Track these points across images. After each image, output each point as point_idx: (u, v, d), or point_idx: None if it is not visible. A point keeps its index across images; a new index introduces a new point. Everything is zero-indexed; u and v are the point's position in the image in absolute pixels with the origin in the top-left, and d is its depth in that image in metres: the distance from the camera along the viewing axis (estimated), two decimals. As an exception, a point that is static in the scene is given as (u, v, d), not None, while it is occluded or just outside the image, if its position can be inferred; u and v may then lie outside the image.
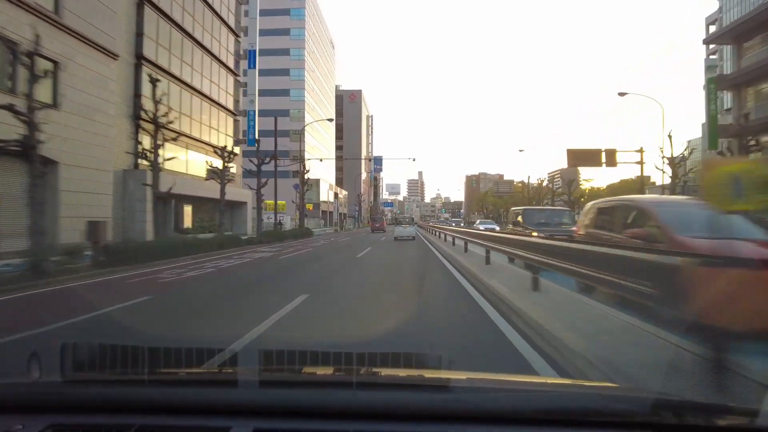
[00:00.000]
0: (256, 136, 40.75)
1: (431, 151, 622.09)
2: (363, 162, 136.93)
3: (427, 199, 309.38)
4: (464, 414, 1.29)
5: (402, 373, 1.67)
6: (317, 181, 74.35)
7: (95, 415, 1.33)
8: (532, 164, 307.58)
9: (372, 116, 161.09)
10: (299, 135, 77.30)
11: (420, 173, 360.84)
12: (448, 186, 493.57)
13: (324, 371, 1.68)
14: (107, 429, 1.30)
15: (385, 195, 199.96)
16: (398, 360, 1.63)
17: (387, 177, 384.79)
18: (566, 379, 3.60)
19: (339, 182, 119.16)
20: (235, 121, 39.72)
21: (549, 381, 2.64)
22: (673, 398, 1.45)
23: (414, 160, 44.43)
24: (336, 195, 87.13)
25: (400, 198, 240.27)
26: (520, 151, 51.48)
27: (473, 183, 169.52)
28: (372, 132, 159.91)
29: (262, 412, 1.31)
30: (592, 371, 3.85)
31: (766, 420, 1.22)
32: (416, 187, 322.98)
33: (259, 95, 78.53)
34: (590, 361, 4.00)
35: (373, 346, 4.49)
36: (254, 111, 40.27)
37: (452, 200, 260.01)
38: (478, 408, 1.31)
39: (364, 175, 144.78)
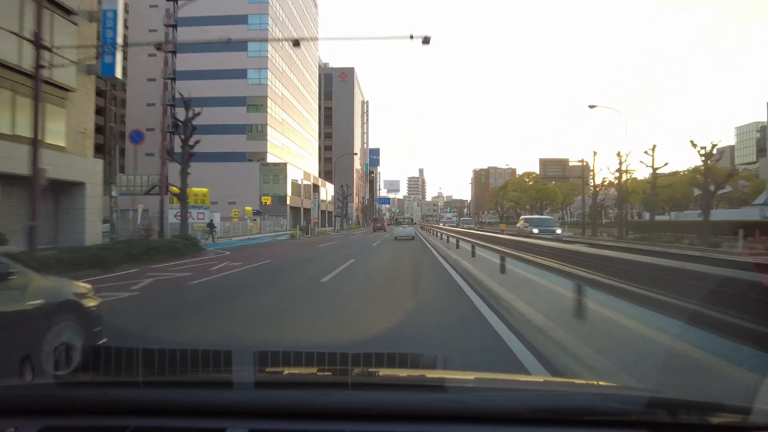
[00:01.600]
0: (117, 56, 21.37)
1: (433, 148, 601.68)
2: (356, 150, 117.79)
3: (428, 198, 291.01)
4: (460, 413, 1.29)
5: (397, 373, 1.66)
6: (283, 167, 54.95)
7: (89, 417, 1.32)
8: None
9: (368, 102, 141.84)
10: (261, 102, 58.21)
11: (421, 170, 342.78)
12: (450, 184, 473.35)
13: (319, 372, 1.66)
14: (102, 431, 1.30)
15: (383, 192, 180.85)
16: (393, 360, 1.62)
17: (385, 173, 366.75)
18: (561, 378, 3.58)
19: (328, 176, 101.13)
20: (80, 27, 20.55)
21: (544, 380, 2.87)
22: (666, 397, 1.46)
23: (422, 47, 24.14)
24: (315, 188, 67.91)
25: (400, 196, 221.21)
26: (591, 107, 31.74)
27: (482, 178, 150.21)
28: (367, 120, 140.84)
29: (258, 413, 1.30)
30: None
31: (758, 417, 1.23)
32: (417, 185, 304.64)
33: (200, 51, 59.41)
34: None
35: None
36: (114, 11, 20.93)
37: (455, 199, 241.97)
38: (474, 407, 1.31)
39: (358, 168, 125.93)
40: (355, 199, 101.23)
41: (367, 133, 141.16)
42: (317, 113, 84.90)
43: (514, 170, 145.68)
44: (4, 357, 3.34)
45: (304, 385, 1.47)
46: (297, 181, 58.19)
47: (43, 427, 1.25)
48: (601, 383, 2.10)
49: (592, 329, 5.07)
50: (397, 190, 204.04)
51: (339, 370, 1.63)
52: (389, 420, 1.26)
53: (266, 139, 54.31)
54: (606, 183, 35.90)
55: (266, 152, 54.31)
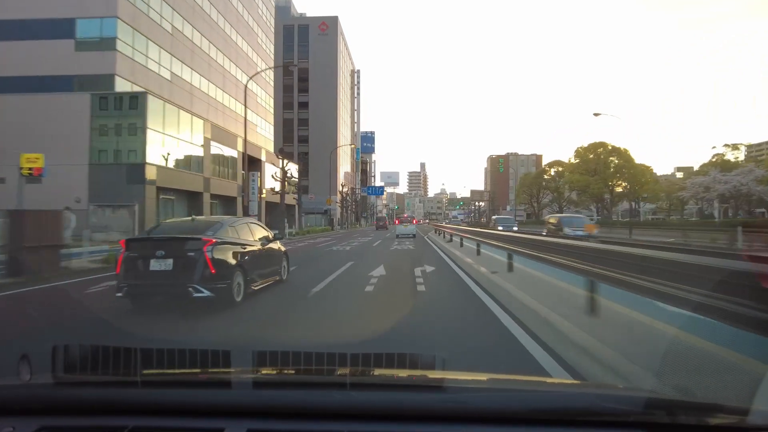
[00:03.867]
0: None
1: (435, 141, 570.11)
2: (344, 131, 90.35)
3: (431, 194, 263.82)
4: (458, 414, 1.29)
5: (396, 373, 1.66)
6: (139, 100, 26.85)
7: (87, 416, 1.32)
8: (563, 151, 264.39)
9: (359, 71, 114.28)
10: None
11: (422, 164, 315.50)
12: (454, 181, 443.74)
13: (317, 372, 1.65)
14: (100, 430, 1.30)
15: (379, 185, 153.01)
16: (392, 360, 1.62)
17: (382, 164, 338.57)
18: (560, 379, 3.55)
19: (304, 159, 74.73)
20: None
21: (543, 380, 2.73)
22: (665, 397, 1.47)
23: None
24: (254, 163, 40.31)
25: (399, 191, 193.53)
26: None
27: (500, 167, 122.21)
28: (358, 94, 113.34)
29: (256, 412, 1.30)
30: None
31: (757, 418, 1.23)
32: (418, 180, 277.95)
33: None
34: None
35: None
36: None
37: (459, 197, 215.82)
38: (473, 408, 1.32)
39: (346, 153, 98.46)
40: (342, 190, 74.31)
41: (358, 110, 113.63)
42: (270, 54, 56.99)
43: (539, 157, 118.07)
44: (270, 269, 8.43)
45: (303, 385, 1.46)
46: (191, 140, 30.34)
47: (40, 426, 1.25)
48: (601, 383, 2.14)
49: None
50: (396, 184, 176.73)
51: (337, 371, 1.61)
52: (388, 420, 1.26)
53: (115, 49, 26.46)
54: None
55: (114, 74, 26.40)
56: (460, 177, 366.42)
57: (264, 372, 1.61)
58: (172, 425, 1.27)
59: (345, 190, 74.16)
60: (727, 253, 7.90)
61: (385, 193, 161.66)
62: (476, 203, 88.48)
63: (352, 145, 76.64)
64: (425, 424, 1.26)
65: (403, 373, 1.63)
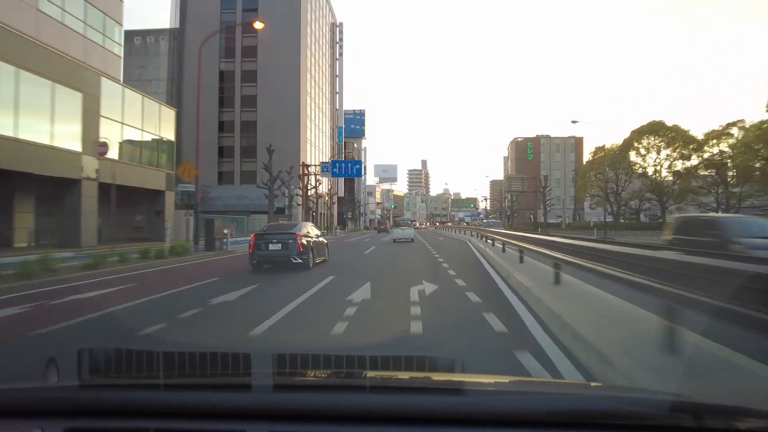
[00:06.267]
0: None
1: (437, 137, 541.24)
2: (309, 84, 61.57)
3: (432, 194, 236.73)
4: (478, 417, 1.29)
5: (415, 375, 1.67)
6: None
7: (112, 419, 1.36)
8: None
9: (341, 24, 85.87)
10: None
11: (424, 162, 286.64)
12: (457, 181, 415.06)
13: (337, 374, 1.70)
14: None
15: (373, 180, 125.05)
16: (411, 363, 1.66)
17: (377, 158, 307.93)
18: (582, 381, 3.57)
19: (248, 129, 47.59)
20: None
21: (563, 382, 2.81)
22: (690, 400, 1.44)
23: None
24: None
25: (396, 190, 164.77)
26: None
27: (529, 153, 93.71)
28: (341, 55, 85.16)
29: (276, 415, 1.33)
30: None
31: None
32: (419, 178, 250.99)
33: None
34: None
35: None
36: None
37: (463, 197, 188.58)
38: (492, 411, 1.32)
39: (320, 127, 70.34)
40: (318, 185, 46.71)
41: (340, 76, 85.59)
42: None
43: (580, 140, 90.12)
44: (321, 251, 15.54)
45: (322, 388, 1.52)
46: None
47: (67, 428, 1.30)
48: (623, 386, 2.08)
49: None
50: (394, 180, 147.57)
51: (356, 373, 1.67)
52: (407, 423, 1.27)
53: None
54: None
55: None
56: (464, 176, 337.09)
57: (284, 374, 1.60)
58: (193, 428, 1.30)
59: (307, 171, 45.70)
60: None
61: (379, 189, 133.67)
62: (509, 196, 59.93)
63: (349, 149, 48.51)
64: (445, 426, 1.26)
65: (422, 376, 1.62)
